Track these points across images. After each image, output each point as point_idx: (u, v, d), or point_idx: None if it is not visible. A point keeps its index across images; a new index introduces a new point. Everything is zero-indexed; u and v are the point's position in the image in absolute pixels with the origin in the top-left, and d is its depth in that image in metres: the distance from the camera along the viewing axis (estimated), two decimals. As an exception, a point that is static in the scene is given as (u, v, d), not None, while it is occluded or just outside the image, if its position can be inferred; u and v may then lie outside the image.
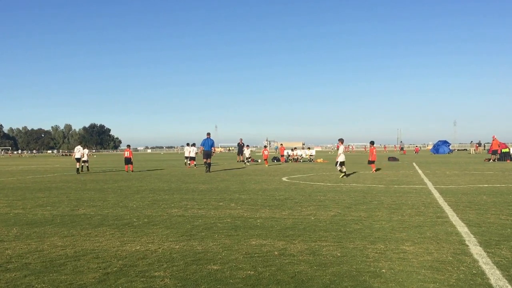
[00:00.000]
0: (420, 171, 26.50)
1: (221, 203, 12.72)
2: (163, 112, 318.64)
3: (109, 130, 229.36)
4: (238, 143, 45.98)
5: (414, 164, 36.72)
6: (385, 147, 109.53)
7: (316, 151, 71.61)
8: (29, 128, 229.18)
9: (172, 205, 12.56)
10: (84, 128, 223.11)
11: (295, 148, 51.74)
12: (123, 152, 34.58)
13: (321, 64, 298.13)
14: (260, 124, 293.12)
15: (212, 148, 29.53)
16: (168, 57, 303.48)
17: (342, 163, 22.99)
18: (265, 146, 43.07)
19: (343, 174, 22.62)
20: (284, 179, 21.68)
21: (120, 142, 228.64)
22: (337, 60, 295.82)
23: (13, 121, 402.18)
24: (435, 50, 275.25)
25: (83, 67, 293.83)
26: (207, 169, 28.53)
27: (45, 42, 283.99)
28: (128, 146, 32.64)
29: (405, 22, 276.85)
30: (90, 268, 6.23)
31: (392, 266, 6.11)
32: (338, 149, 24.92)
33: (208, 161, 28.95)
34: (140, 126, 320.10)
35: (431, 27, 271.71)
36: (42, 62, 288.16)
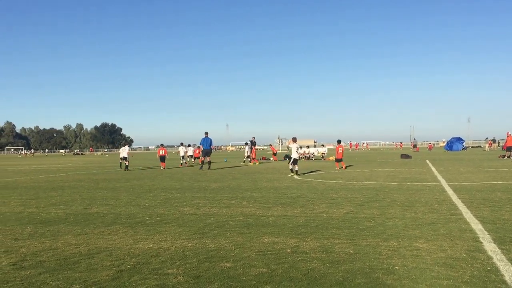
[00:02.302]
0: (433, 168, 26.32)
1: (233, 201, 12.74)
2: (174, 110, 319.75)
3: (120, 129, 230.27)
4: (251, 141, 45.89)
5: (427, 161, 36.48)
6: (401, 145, 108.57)
7: (328, 149, 71.36)
8: (41, 128, 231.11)
9: (184, 203, 12.60)
10: (96, 128, 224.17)
11: (308, 146, 51.59)
12: (157, 151, 35.98)
13: (333, 61, 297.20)
14: (272, 123, 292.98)
15: (211, 146, 30.01)
16: (179, 56, 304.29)
17: (295, 161, 23.20)
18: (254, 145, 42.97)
19: (293, 173, 22.86)
20: (296, 177, 21.65)
21: (132, 141, 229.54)
22: (349, 58, 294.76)
23: (25, 121, 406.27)
24: (449, 46, 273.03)
25: (95, 67, 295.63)
26: (202, 166, 29.18)
27: (56, 42, 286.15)
28: (162, 145, 35.47)
29: (417, 19, 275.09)
30: (104, 265, 6.27)
31: (406, 263, 6.08)
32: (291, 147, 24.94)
33: (208, 159, 29.37)
34: (151, 125, 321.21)
35: (445, 24, 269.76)
36: (54, 61, 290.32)
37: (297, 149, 23.98)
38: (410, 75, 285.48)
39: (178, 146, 39.24)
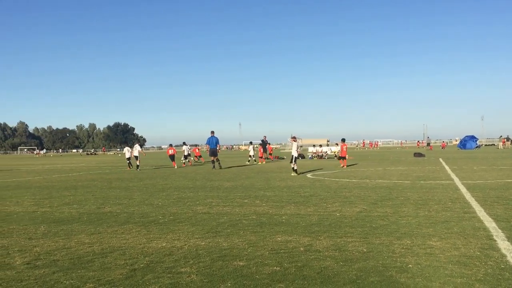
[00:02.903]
0: (446, 167, 26.15)
1: (246, 200, 12.75)
2: (187, 110, 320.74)
3: (133, 128, 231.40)
4: (262, 140, 45.86)
5: (441, 159, 36.25)
6: (418, 143, 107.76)
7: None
8: (54, 128, 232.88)
9: (197, 202, 12.63)
10: (109, 127, 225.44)
11: (320, 145, 51.49)
12: (166, 150, 36.87)
13: (345, 60, 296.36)
14: (285, 121, 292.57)
15: (217, 145, 30.17)
16: (191, 56, 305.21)
17: (294, 160, 23.20)
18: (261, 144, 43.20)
19: (294, 171, 22.82)
20: (309, 176, 21.62)
21: (144, 140, 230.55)
22: (362, 56, 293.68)
23: (38, 121, 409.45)
24: (462, 45, 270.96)
25: (108, 67, 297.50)
26: (214, 165, 29.30)
27: (69, 42, 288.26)
28: (171, 145, 36.21)
29: (431, 17, 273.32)
30: (117, 264, 6.31)
31: (419, 261, 6.05)
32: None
33: (216, 158, 29.50)
34: (164, 125, 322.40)
35: (459, 21, 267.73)
36: (66, 61, 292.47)
37: (297, 148, 24.05)
38: (423, 73, 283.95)
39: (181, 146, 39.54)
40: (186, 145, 38.11)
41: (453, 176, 19.49)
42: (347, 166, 28.71)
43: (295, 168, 22.88)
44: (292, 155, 23.37)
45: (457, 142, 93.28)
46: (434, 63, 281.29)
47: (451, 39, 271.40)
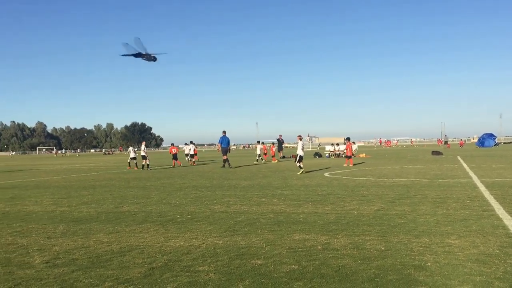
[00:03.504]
0: (465, 165, 25.90)
1: (263, 199, 12.75)
2: (203, 109, 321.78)
3: (150, 128, 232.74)
4: (278, 139, 45.79)
5: (459, 157, 35.91)
6: (439, 141, 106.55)
7: (359, 146, 70.85)
8: (72, 128, 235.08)
9: (215, 201, 12.66)
10: (126, 127, 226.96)
11: (337, 143, 51.27)
12: (168, 150, 37.40)
13: (361, 58, 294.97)
14: (301, 120, 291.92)
15: (229, 145, 31.00)
16: (208, 55, 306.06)
17: (300, 159, 23.15)
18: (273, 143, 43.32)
19: (301, 170, 22.76)
20: (326, 174, 21.56)
21: (162, 140, 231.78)
22: (378, 55, 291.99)
23: (56, 121, 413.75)
24: (481, 42, 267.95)
25: (124, 66, 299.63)
26: (225, 164, 29.89)
27: (86, 42, 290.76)
28: (172, 144, 36.69)
29: (448, 15, 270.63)
30: (136, 263, 6.35)
31: (438, 259, 6.01)
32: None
33: (225, 157, 30.00)
34: (181, 124, 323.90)
35: (476, 20, 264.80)
36: (83, 62, 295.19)
37: (303, 147, 24.01)
38: (441, 71, 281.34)
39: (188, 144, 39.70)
40: (193, 144, 38.62)
41: (471, 174, 19.30)
42: (354, 165, 28.58)
43: (301, 166, 22.94)
44: (297, 154, 23.41)
45: (475, 140, 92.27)
46: (452, 61, 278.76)
47: (470, 37, 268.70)
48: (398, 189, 14.22)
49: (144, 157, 31.65)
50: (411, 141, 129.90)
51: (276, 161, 37.48)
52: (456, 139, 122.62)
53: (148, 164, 31.19)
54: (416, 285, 5.07)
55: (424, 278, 5.26)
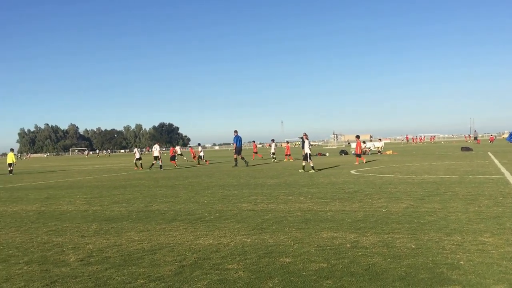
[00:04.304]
0: (496, 161, 25.41)
1: (290, 197, 12.74)
2: (229, 108, 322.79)
3: (177, 128, 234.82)
4: (301, 137, 45.52)
5: (490, 153, 35.25)
6: (467, 137, 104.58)
7: (385, 143, 70.15)
8: (103, 129, 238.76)
9: (242, 199, 12.71)
10: (154, 127, 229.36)
11: (364, 141, 50.89)
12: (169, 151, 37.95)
13: (387, 54, 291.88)
14: (326, 118, 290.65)
15: (242, 144, 31.64)
16: (233, 55, 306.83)
17: (306, 156, 23.23)
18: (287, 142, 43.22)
19: (311, 168, 22.88)
20: (352, 172, 21.42)
21: (189, 140, 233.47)
22: (404, 51, 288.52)
23: (88, 122, 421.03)
24: (509, 36, 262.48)
25: (153, 67, 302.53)
26: (237, 163, 30.70)
27: (115, 45, 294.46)
28: (173, 145, 37.65)
29: (477, 9, 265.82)
30: (166, 261, 6.42)
31: (471, 257, 5.91)
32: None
33: (241, 156, 30.48)
34: (207, 123, 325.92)
35: (505, 15, 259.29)
36: (113, 64, 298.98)
37: (310, 145, 23.93)
38: (470, 65, 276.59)
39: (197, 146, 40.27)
40: (200, 145, 39.61)
41: (503, 170, 18.93)
42: (366, 162, 28.36)
43: (305, 165, 23.09)
44: (306, 152, 23.44)
45: (507, 136, 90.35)
46: (482, 55, 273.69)
47: (499, 31, 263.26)
48: (427, 186, 14.05)
49: (156, 158, 31.78)
50: (431, 138, 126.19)
51: (292, 159, 37.25)
52: (486, 134, 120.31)
53: (161, 165, 31.34)
54: (449, 284, 5.00)
55: (457, 277, 5.19)
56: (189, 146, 43.29)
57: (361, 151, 30.02)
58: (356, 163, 28.08)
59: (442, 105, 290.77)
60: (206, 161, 38.47)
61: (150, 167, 31.70)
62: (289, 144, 44.01)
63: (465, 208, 9.74)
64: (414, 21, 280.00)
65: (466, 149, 43.27)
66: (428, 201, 10.87)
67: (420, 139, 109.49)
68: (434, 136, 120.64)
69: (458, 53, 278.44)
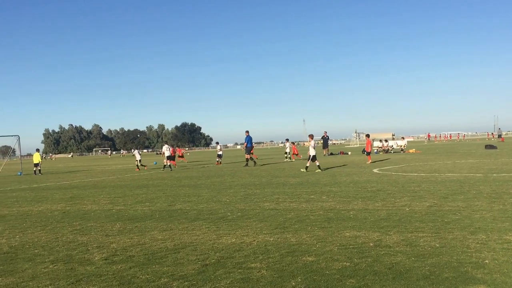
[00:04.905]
0: (521, 159, 25.00)
1: (312, 196, 12.72)
2: (251, 107, 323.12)
3: (199, 128, 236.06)
4: (323, 137, 45.43)
5: (515, 151, 34.70)
6: (502, 139, 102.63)
7: (408, 142, 69.55)
8: (126, 129, 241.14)
9: (264, 199, 12.73)
10: (176, 127, 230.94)
11: (386, 140, 50.52)
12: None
13: (408, 52, 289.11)
14: (349, 116, 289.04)
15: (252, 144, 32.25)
16: (255, 53, 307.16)
17: (314, 158, 23.10)
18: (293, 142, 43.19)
19: (306, 168, 22.90)
20: (375, 170, 21.29)
21: (211, 139, 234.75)
22: (425, 48, 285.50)
23: (111, 123, 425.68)
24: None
25: (174, 66, 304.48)
26: (248, 163, 31.20)
27: (137, 45, 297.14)
28: (173, 145, 39.27)
29: (499, 6, 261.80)
30: (190, 260, 6.47)
31: (496, 256, 5.84)
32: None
33: (249, 156, 31.29)
34: (229, 123, 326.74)
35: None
36: (135, 63, 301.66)
37: (314, 146, 24.00)
38: (493, 62, 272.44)
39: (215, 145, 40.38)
40: (219, 144, 40.03)
41: (529, 168, 18.62)
42: (372, 162, 27.98)
43: (317, 164, 22.97)
44: (310, 154, 23.42)
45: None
46: (505, 52, 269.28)
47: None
48: (451, 184, 13.89)
49: (169, 157, 32.05)
50: (458, 136, 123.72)
51: (301, 157, 37.10)
52: (511, 132, 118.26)
53: (170, 165, 31.53)
54: (474, 283, 4.95)
55: (482, 276, 5.14)
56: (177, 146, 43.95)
57: (371, 150, 29.84)
58: (368, 162, 27.87)
59: (466, 102, 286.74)
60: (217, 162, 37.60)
61: (170, 168, 31.71)
62: (295, 145, 44.09)
63: (489, 206, 9.61)
64: (436, 17, 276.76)
65: (490, 147, 42.66)
66: (451, 200, 10.76)
67: (445, 137, 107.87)
68: (464, 135, 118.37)
69: (483, 50, 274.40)
